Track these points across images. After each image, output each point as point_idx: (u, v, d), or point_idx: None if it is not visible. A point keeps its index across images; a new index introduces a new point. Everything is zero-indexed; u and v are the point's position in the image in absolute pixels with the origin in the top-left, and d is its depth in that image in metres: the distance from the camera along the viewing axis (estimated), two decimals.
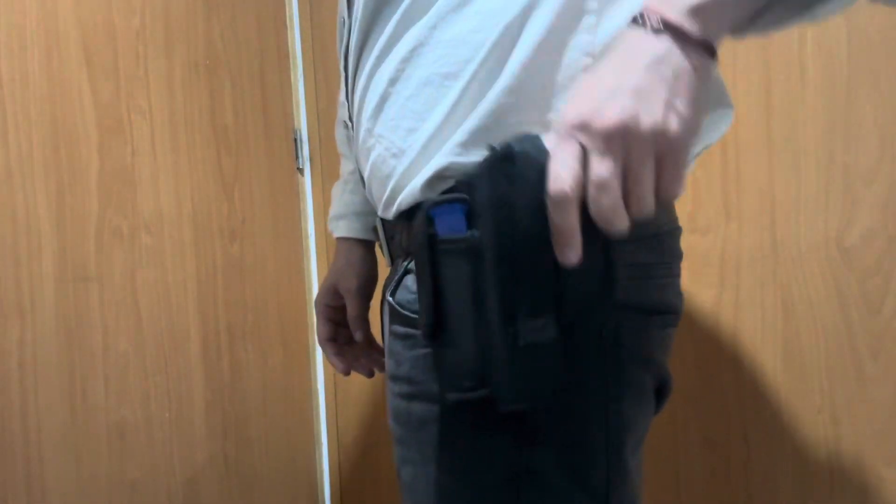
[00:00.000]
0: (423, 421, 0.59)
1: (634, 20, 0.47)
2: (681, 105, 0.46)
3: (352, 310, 0.88)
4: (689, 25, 0.46)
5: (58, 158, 1.01)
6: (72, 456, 1.00)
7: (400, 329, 0.62)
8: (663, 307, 0.61)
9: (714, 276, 1.06)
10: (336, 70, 1.43)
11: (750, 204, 1.03)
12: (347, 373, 0.91)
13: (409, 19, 0.60)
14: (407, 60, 0.59)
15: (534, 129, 0.53)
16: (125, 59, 1.11)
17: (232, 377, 1.26)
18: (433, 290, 0.53)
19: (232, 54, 1.31)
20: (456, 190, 0.53)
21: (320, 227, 1.46)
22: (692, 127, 0.46)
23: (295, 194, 1.43)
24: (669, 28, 0.46)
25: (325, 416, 1.46)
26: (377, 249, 0.89)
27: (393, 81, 0.61)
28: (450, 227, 0.52)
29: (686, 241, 1.07)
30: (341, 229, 0.91)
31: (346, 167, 0.95)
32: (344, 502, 1.45)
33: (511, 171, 0.50)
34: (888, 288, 0.95)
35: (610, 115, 0.45)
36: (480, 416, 0.55)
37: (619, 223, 0.47)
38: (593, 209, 0.46)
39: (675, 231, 0.65)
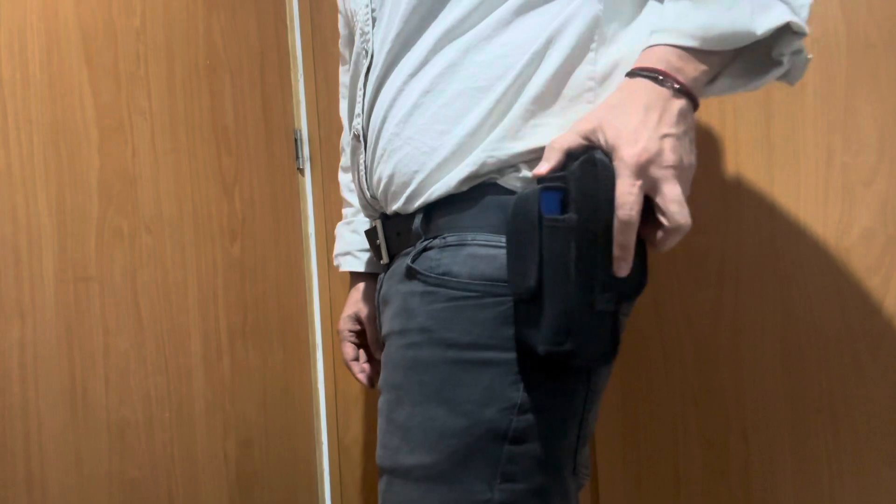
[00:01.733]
0: (429, 364, 0.67)
1: (654, 78, 0.63)
2: (693, 152, 0.65)
3: (371, 334, 1.03)
4: (696, 92, 0.64)
5: (58, 158, 1.01)
6: (72, 455, 1.00)
7: (419, 288, 0.71)
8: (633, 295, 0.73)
9: (714, 276, 1.06)
10: (336, 70, 1.43)
11: (750, 204, 1.03)
12: (373, 385, 1.05)
13: (442, 45, 0.72)
14: (441, 76, 0.71)
15: (550, 130, 0.69)
16: (125, 60, 1.11)
17: (232, 377, 1.26)
18: (539, 258, 0.63)
19: (232, 54, 1.31)
20: (554, 181, 0.65)
21: (320, 227, 1.46)
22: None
23: (295, 194, 1.43)
24: (685, 93, 0.63)
25: (325, 416, 1.46)
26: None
27: (426, 93, 0.72)
28: (549, 208, 0.63)
29: (686, 241, 1.07)
30: (348, 264, 1.05)
31: (348, 210, 1.08)
32: (344, 502, 1.45)
33: (595, 172, 0.62)
34: (888, 288, 0.95)
35: (669, 158, 0.62)
36: (484, 360, 0.65)
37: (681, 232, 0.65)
38: (670, 222, 0.64)
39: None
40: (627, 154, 0.61)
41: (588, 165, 0.62)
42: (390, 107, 0.75)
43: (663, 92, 0.63)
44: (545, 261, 0.62)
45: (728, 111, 1.04)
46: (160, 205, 1.15)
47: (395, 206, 0.76)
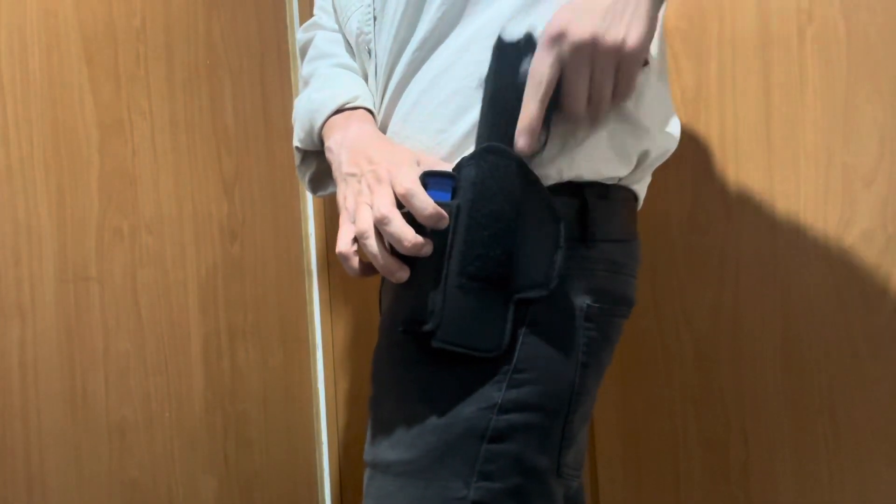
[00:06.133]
0: (413, 362, 0.68)
1: None
2: (638, 26, 0.62)
3: None
4: None
5: (58, 158, 1.01)
6: (72, 455, 1.00)
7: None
8: (626, 300, 0.74)
9: (714, 276, 1.06)
10: None
11: (750, 204, 1.03)
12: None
13: (438, 44, 0.72)
14: (440, 74, 0.71)
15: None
16: (125, 59, 1.11)
17: (232, 377, 1.26)
18: None
19: (232, 54, 1.31)
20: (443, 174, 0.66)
21: (320, 228, 1.46)
22: (645, 43, 0.62)
23: (295, 194, 1.43)
24: None
25: (325, 416, 1.46)
26: None
27: (424, 91, 0.72)
28: (438, 195, 0.64)
29: (686, 241, 1.08)
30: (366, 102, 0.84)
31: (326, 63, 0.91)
32: (344, 502, 1.45)
33: (493, 160, 0.64)
34: (888, 288, 0.95)
35: (583, 29, 0.61)
36: (466, 358, 0.65)
37: (578, 111, 0.65)
38: (564, 90, 0.64)
39: (638, 241, 0.79)
40: (548, 25, 0.64)
41: (485, 153, 0.65)
42: (392, 106, 0.76)
43: None
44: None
45: (728, 111, 1.04)
46: (160, 205, 1.15)
47: None
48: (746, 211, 1.03)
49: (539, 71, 0.63)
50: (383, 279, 0.85)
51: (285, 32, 1.45)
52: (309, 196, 1.47)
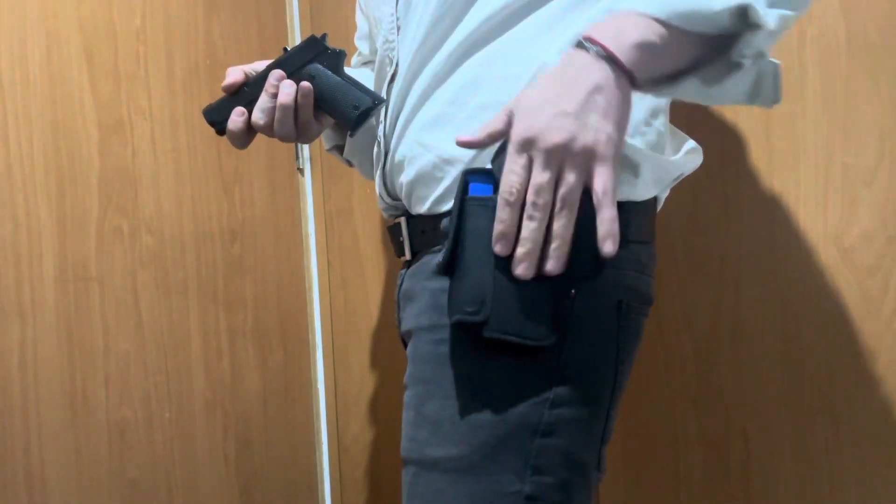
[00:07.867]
0: (462, 359, 0.69)
1: (580, 44, 0.60)
2: (608, 127, 0.59)
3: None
4: (624, 59, 0.59)
5: (58, 158, 1.01)
6: (72, 455, 1.00)
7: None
8: (649, 298, 0.76)
9: (714, 276, 1.06)
10: None
11: (750, 204, 1.03)
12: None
13: (467, 55, 0.74)
14: (465, 88, 0.73)
15: None
16: (125, 59, 1.11)
17: (232, 377, 1.26)
18: (455, 234, 0.66)
19: (232, 54, 1.31)
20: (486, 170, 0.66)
21: (320, 227, 1.46)
22: (617, 143, 0.60)
23: (295, 194, 1.43)
24: (609, 58, 0.59)
25: (325, 416, 1.46)
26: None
27: (450, 103, 0.74)
28: (480, 190, 0.66)
29: (686, 241, 1.08)
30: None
31: None
32: (344, 502, 1.45)
33: None
34: (888, 288, 0.95)
35: (555, 136, 0.58)
36: (516, 353, 0.65)
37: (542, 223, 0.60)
38: (527, 210, 0.60)
39: (655, 242, 0.79)
40: (518, 126, 0.60)
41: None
42: (413, 114, 0.77)
43: (587, 64, 0.59)
44: (464, 237, 0.65)
45: (728, 111, 1.04)
46: (160, 205, 1.15)
47: (419, 210, 0.77)
48: (746, 211, 1.03)
49: (511, 179, 0.60)
50: (402, 280, 0.85)
51: (285, 32, 1.45)
52: (309, 196, 1.47)
